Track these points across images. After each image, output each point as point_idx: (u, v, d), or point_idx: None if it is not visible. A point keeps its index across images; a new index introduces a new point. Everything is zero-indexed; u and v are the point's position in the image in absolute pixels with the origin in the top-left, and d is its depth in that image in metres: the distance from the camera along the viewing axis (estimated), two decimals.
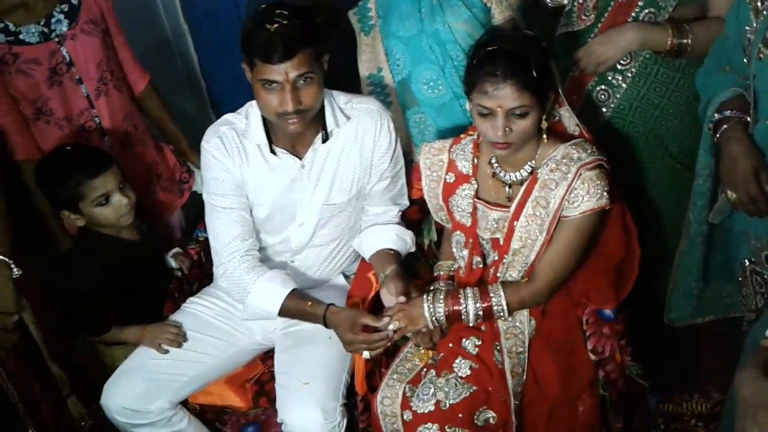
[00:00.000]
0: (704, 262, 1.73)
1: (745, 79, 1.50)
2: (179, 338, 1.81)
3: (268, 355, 1.90)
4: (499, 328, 1.67)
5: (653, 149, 1.90)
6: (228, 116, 1.79)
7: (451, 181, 1.75)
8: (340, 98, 1.79)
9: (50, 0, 1.92)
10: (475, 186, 1.71)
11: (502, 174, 1.68)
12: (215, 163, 1.75)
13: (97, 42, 1.99)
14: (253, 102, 1.71)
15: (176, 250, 2.09)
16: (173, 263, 2.06)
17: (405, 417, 1.62)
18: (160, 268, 2.05)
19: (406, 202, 1.93)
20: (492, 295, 1.62)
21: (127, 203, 1.88)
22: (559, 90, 1.65)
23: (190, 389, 1.81)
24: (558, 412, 1.64)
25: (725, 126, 1.49)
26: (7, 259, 1.58)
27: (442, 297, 1.64)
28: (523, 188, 1.63)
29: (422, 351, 1.73)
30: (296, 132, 1.68)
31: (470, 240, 1.72)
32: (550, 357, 1.64)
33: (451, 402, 1.58)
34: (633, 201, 1.77)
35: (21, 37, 1.88)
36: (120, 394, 1.72)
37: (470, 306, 1.62)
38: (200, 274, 2.08)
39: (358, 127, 1.77)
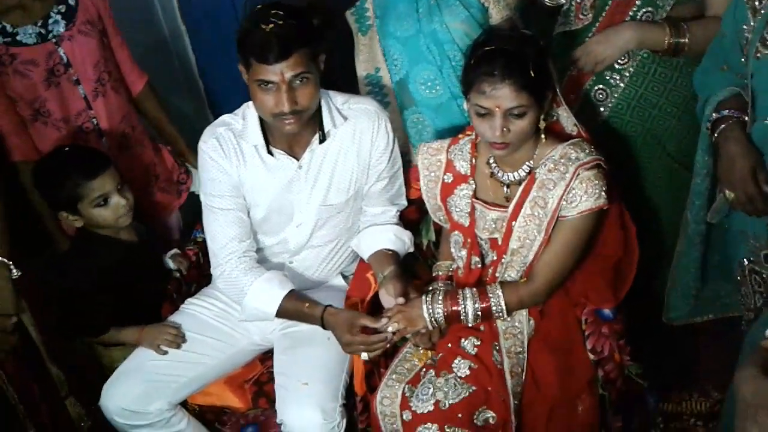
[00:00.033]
0: (702, 261, 1.74)
1: (742, 78, 1.50)
2: (178, 339, 1.81)
3: (267, 356, 1.90)
4: (498, 328, 1.67)
5: (651, 148, 1.90)
6: (225, 117, 1.79)
7: (449, 181, 1.75)
8: (337, 99, 1.78)
9: (47, 1, 1.92)
10: (473, 186, 1.71)
11: (500, 174, 1.68)
12: (212, 164, 1.75)
13: (94, 43, 1.98)
14: (250, 103, 1.71)
15: (174, 251, 2.09)
16: (171, 264, 2.06)
17: (404, 417, 1.62)
18: (158, 269, 2.05)
19: (404, 203, 1.93)
20: (491, 295, 1.62)
21: (125, 204, 1.88)
22: (557, 90, 1.65)
23: (189, 390, 1.80)
24: (557, 412, 1.64)
25: (723, 125, 1.49)
26: (6, 260, 1.58)
27: (440, 298, 1.64)
28: (521, 188, 1.63)
29: (421, 351, 1.73)
30: (293, 132, 1.68)
31: (468, 240, 1.72)
32: (549, 357, 1.64)
33: (450, 402, 1.58)
34: (631, 200, 1.77)
35: (18, 38, 1.88)
36: (119, 395, 1.72)
37: (469, 306, 1.62)
38: (198, 275, 2.07)
39: (355, 128, 1.77)
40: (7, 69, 1.88)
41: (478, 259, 1.73)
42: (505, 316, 1.63)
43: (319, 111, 1.73)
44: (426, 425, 1.57)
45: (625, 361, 1.69)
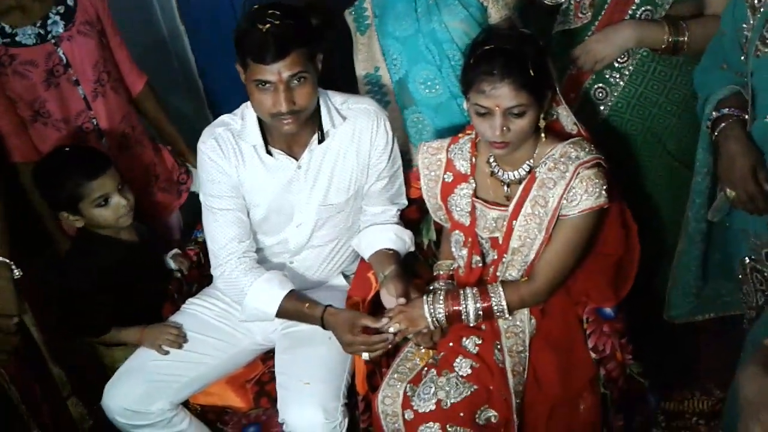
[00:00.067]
0: (703, 260, 1.74)
1: (742, 76, 1.50)
2: (179, 339, 1.81)
3: (268, 356, 1.90)
4: (499, 327, 1.67)
5: (651, 147, 1.90)
6: (224, 117, 1.79)
7: (450, 180, 1.75)
8: (336, 98, 1.78)
9: (46, 1, 1.92)
10: (474, 185, 1.71)
11: (500, 173, 1.68)
12: (211, 165, 1.75)
13: (93, 43, 1.98)
14: (249, 103, 1.71)
15: (175, 251, 2.09)
16: (172, 264, 2.06)
17: (406, 416, 1.62)
18: (159, 269, 2.05)
19: (405, 202, 1.93)
20: (492, 294, 1.62)
21: (126, 204, 1.88)
22: (557, 88, 1.65)
23: (191, 390, 1.81)
24: (559, 411, 1.64)
25: (723, 124, 1.49)
26: (7, 261, 1.58)
27: (442, 297, 1.64)
28: (521, 187, 1.63)
29: (423, 350, 1.73)
30: (291, 132, 1.67)
31: (469, 239, 1.72)
32: (550, 356, 1.64)
33: (452, 401, 1.58)
34: (631, 199, 1.77)
35: (17, 39, 1.88)
36: (120, 395, 1.72)
37: (470, 306, 1.62)
38: (199, 275, 2.07)
39: (354, 127, 1.77)
40: (7, 70, 1.88)
41: (479, 258, 1.73)
42: (507, 315, 1.64)
43: (318, 111, 1.73)
44: (428, 424, 1.57)
45: (626, 360, 1.69)
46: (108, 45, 2.07)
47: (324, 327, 1.70)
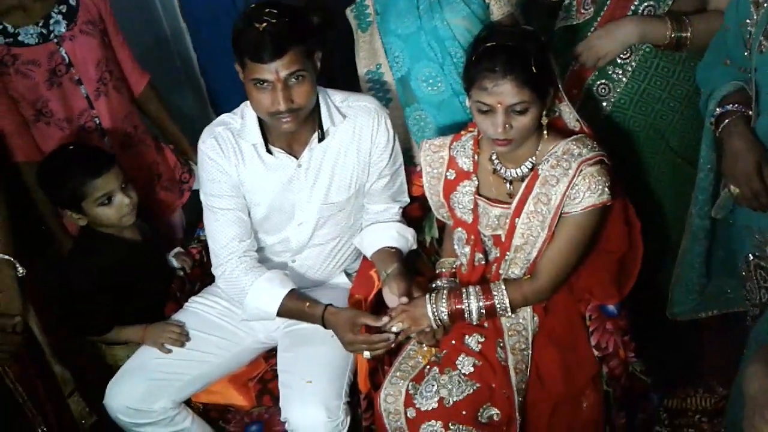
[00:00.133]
0: (707, 257, 1.73)
1: (746, 72, 1.49)
2: (182, 338, 1.81)
3: (271, 354, 1.90)
4: (502, 325, 1.66)
5: (654, 143, 1.89)
6: (224, 116, 1.79)
7: (452, 177, 1.75)
8: (336, 96, 1.78)
9: (48, 1, 1.92)
10: (476, 183, 1.71)
11: (502, 170, 1.68)
12: (211, 164, 1.74)
13: (95, 42, 1.98)
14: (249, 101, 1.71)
15: (178, 249, 2.09)
16: (175, 263, 2.07)
17: (408, 414, 1.61)
18: (162, 267, 2.05)
19: (407, 199, 1.93)
20: (494, 293, 1.62)
21: (129, 203, 1.88)
22: (559, 85, 1.65)
23: (193, 388, 1.81)
24: (562, 408, 1.64)
25: (727, 120, 1.48)
26: (11, 259, 1.58)
27: (444, 296, 1.64)
28: (524, 185, 1.63)
29: (425, 348, 1.73)
30: (290, 131, 1.67)
31: (472, 237, 1.72)
32: (553, 353, 1.64)
33: (454, 399, 1.58)
34: (634, 195, 1.76)
35: (20, 38, 1.88)
36: (123, 394, 1.72)
37: (473, 304, 1.62)
38: (202, 273, 2.08)
39: (355, 125, 1.77)
40: (9, 69, 1.88)
41: (481, 255, 1.73)
42: (509, 313, 1.63)
43: (317, 109, 1.72)
44: (430, 422, 1.57)
45: (629, 358, 1.68)
46: (110, 44, 2.07)
47: (325, 326, 1.70)
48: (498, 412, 1.59)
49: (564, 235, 1.60)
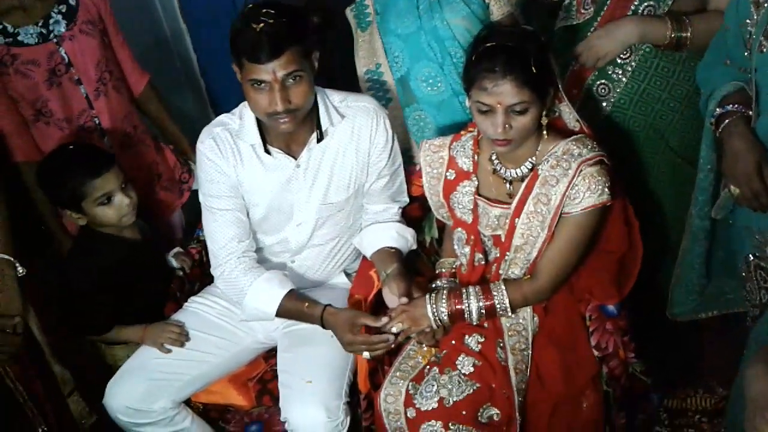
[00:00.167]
0: (707, 257, 1.73)
1: (746, 72, 1.49)
2: (181, 337, 1.81)
3: (270, 354, 1.90)
4: (502, 325, 1.66)
5: (654, 143, 1.89)
6: (222, 117, 1.79)
7: (452, 178, 1.75)
8: (334, 97, 1.78)
9: (48, 1, 1.92)
10: (476, 183, 1.71)
11: (502, 170, 1.67)
12: (210, 165, 1.74)
13: (95, 42, 1.98)
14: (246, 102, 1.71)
15: (177, 249, 2.09)
16: (175, 263, 2.07)
17: (408, 414, 1.61)
18: (162, 267, 2.05)
19: (406, 199, 1.93)
20: (494, 293, 1.62)
21: (129, 203, 1.88)
22: (559, 85, 1.65)
23: (193, 388, 1.81)
24: (561, 409, 1.64)
25: (727, 120, 1.48)
26: (11, 258, 1.58)
27: (444, 296, 1.64)
28: (523, 185, 1.63)
29: (425, 348, 1.73)
30: (288, 131, 1.67)
31: (472, 237, 1.72)
32: (553, 353, 1.64)
33: (454, 399, 1.58)
34: (634, 195, 1.76)
35: (19, 38, 1.88)
36: (123, 394, 1.72)
37: (473, 305, 1.62)
38: (201, 273, 2.08)
39: (353, 126, 1.76)
40: (9, 69, 1.88)
41: (481, 256, 1.72)
42: (509, 313, 1.63)
43: (316, 109, 1.72)
44: (430, 422, 1.57)
45: (629, 358, 1.68)
46: (110, 44, 2.06)
47: (324, 326, 1.70)
48: (498, 412, 1.59)
49: (564, 236, 1.60)
